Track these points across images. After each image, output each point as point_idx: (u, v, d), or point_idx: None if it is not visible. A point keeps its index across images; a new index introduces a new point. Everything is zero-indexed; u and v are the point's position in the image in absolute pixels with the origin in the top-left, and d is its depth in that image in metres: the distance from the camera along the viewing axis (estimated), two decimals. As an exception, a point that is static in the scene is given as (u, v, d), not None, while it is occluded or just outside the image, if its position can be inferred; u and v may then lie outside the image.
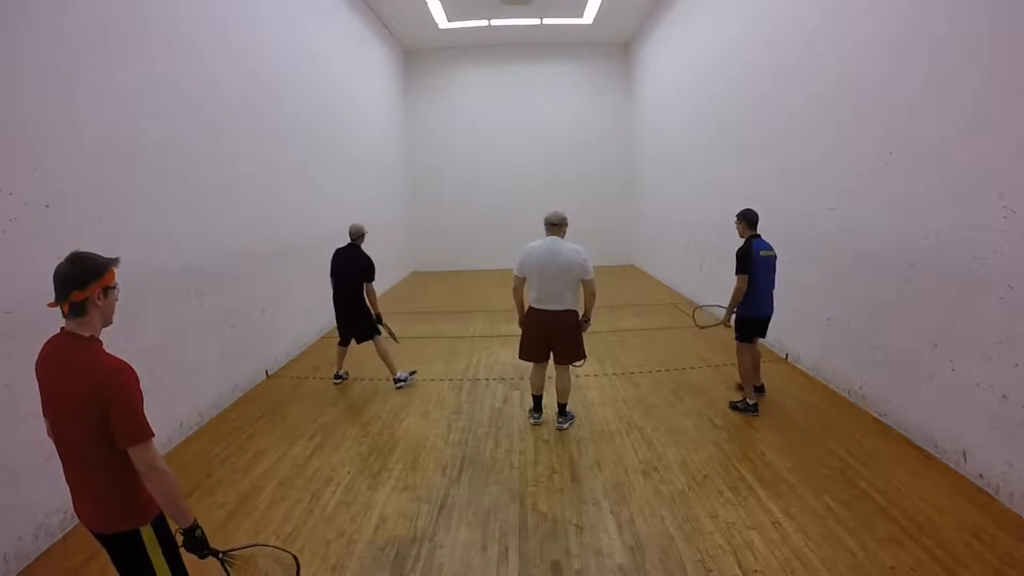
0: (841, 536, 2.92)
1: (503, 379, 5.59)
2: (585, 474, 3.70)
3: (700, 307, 5.66)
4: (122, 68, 3.81)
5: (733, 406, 4.64)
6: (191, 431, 4.48)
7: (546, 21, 11.52)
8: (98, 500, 1.80)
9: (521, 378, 5.55)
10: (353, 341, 5.49)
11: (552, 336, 4.24)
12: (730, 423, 4.39)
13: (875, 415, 4.37)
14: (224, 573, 1.90)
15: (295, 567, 2.00)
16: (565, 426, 4.37)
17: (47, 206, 3.15)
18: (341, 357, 5.66)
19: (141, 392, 1.73)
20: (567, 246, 4.15)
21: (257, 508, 3.38)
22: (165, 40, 4.32)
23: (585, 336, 4.33)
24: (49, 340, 1.80)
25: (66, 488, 1.84)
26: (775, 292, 4.60)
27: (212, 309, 4.92)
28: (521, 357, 4.44)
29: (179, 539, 1.84)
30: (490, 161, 13.65)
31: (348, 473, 3.80)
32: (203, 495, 3.53)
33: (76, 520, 3.19)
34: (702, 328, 5.38)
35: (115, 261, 1.81)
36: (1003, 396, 3.17)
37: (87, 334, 1.75)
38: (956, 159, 3.51)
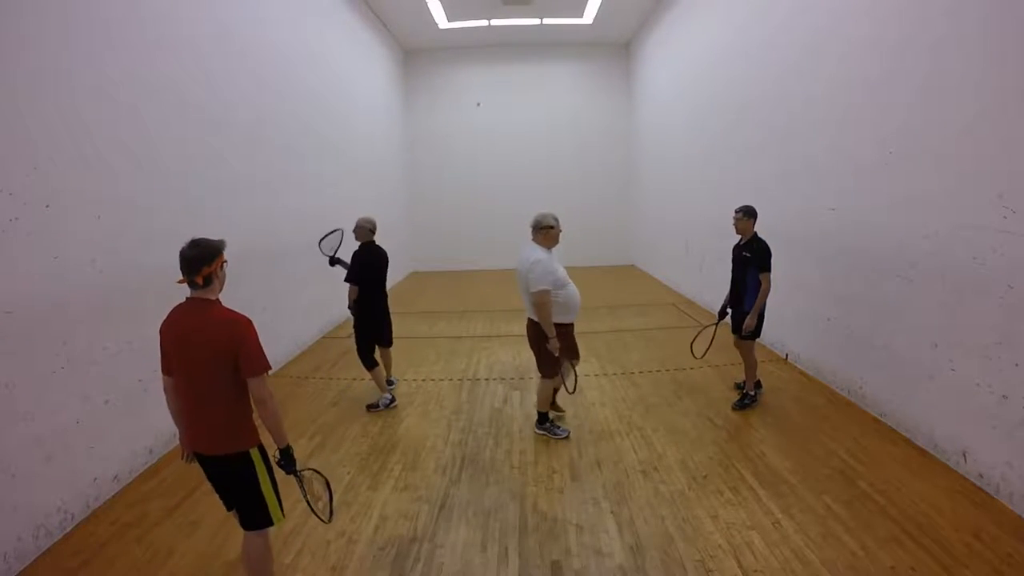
0: (841, 536, 2.92)
1: (503, 379, 5.59)
2: (585, 474, 3.70)
3: (702, 330, 5.32)
4: (122, 68, 3.81)
5: (740, 404, 4.61)
6: (191, 431, 4.47)
7: (546, 21, 11.52)
8: (218, 428, 2.28)
9: (521, 378, 5.56)
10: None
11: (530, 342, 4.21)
12: (730, 423, 4.39)
13: (875, 415, 4.37)
14: (300, 488, 2.40)
15: (325, 484, 2.50)
16: (540, 432, 4.26)
17: (47, 206, 3.15)
18: (381, 379, 4.95)
19: (257, 335, 2.26)
20: (524, 253, 3.98)
21: (257, 508, 3.37)
22: (165, 40, 4.32)
23: (582, 338, 4.25)
24: (177, 307, 2.36)
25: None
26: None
27: (212, 309, 4.90)
28: None
29: (275, 457, 2.35)
30: (490, 161, 13.65)
31: (348, 473, 3.79)
32: (203, 495, 3.51)
33: (76, 520, 3.21)
34: (698, 358, 5.12)
35: (224, 243, 2.41)
36: (1003, 396, 3.17)
37: (213, 298, 2.32)
38: (956, 159, 3.51)
